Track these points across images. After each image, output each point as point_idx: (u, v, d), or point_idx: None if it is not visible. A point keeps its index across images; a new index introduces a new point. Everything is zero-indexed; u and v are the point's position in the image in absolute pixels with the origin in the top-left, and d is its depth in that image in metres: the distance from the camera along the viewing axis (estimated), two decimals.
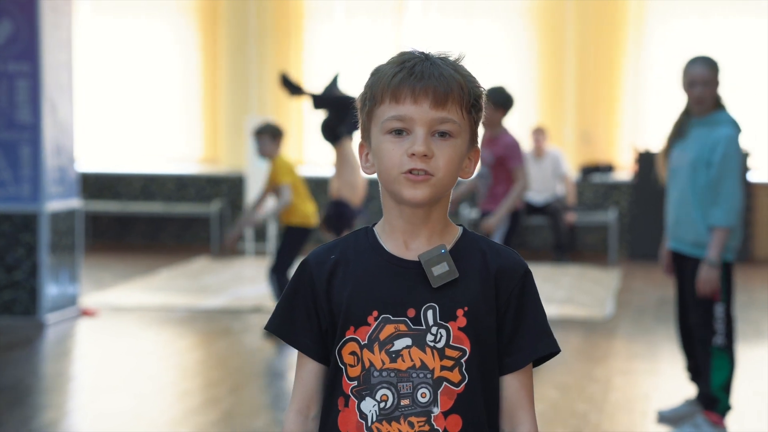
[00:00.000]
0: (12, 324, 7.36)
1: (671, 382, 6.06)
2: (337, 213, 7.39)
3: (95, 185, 11.70)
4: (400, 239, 1.85)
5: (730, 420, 5.10)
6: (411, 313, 1.81)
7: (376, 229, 1.89)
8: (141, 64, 12.20)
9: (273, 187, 7.26)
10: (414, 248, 1.84)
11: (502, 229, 6.62)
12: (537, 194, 10.96)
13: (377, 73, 1.84)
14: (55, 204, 7.58)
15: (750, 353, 6.91)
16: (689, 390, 5.85)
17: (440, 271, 1.81)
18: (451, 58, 1.85)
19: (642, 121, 11.60)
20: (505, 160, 6.53)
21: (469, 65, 1.88)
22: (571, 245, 11.12)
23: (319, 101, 7.59)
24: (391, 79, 1.81)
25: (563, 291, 8.95)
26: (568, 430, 5.09)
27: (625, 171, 11.51)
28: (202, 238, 11.65)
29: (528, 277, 1.87)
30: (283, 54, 11.95)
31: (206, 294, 8.69)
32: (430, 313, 1.81)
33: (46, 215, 7.48)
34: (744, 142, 4.97)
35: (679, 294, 5.13)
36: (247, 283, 9.24)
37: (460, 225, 1.90)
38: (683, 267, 5.03)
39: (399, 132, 1.80)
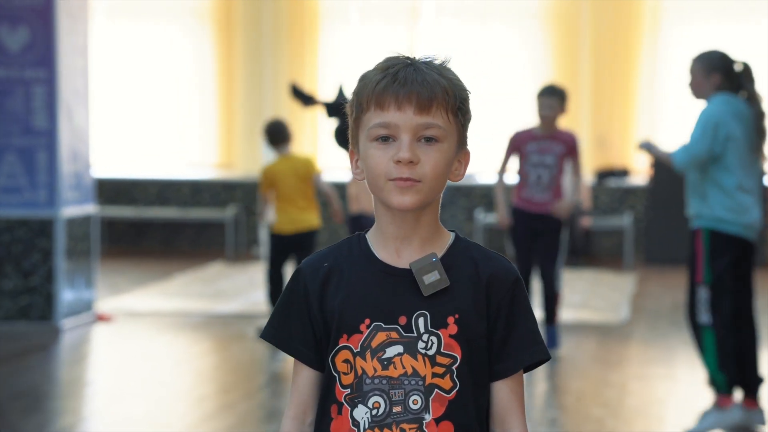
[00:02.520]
0: (28, 329, 7.39)
1: (687, 387, 6.04)
2: (356, 229, 7.37)
3: (111, 191, 11.74)
4: (391, 247, 1.86)
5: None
6: (402, 320, 1.82)
7: (369, 236, 1.90)
8: (156, 69, 12.23)
9: (315, 174, 7.28)
10: (406, 256, 1.85)
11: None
12: None
13: (363, 80, 1.85)
14: (71, 209, 7.61)
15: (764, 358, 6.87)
16: (704, 395, 5.82)
17: (431, 279, 1.82)
18: (436, 62, 1.86)
19: (657, 124, 11.57)
20: (572, 153, 6.77)
21: (458, 68, 1.88)
22: (586, 250, 11.09)
23: (332, 109, 7.62)
24: (375, 86, 1.82)
25: (578, 296, 8.92)
26: None
27: (640, 175, 11.48)
28: (217, 243, 11.67)
29: (519, 284, 1.87)
30: (298, 58, 11.97)
31: (221, 299, 8.71)
32: (421, 320, 1.82)
33: (62, 221, 7.50)
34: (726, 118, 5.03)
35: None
36: (262, 288, 9.24)
37: (452, 231, 1.91)
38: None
39: (385, 139, 1.81)
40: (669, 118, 11.50)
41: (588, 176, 11.36)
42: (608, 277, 10.07)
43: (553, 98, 6.72)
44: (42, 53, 7.42)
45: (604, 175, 11.45)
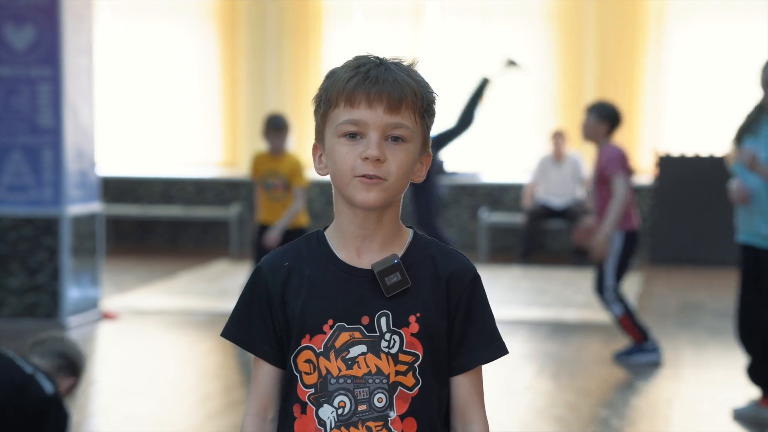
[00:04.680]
0: (34, 327, 7.39)
1: (693, 387, 6.03)
2: None
3: (116, 189, 11.75)
4: (351, 246, 1.87)
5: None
6: (365, 320, 1.84)
7: (327, 234, 1.90)
8: (161, 68, 12.24)
9: (296, 184, 7.22)
10: (366, 256, 1.86)
11: (615, 251, 6.42)
12: (557, 198, 10.94)
13: (332, 77, 1.86)
14: (76, 208, 7.62)
15: None
16: (710, 395, 5.82)
17: (393, 280, 1.84)
18: (405, 64, 1.87)
19: (662, 124, 11.56)
20: (605, 172, 6.38)
21: (423, 71, 1.90)
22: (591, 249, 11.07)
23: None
24: (346, 83, 1.82)
25: (583, 295, 8.92)
26: None
27: (645, 175, 11.48)
28: (221, 241, 11.68)
29: (477, 281, 1.89)
30: (302, 58, 11.97)
31: (226, 297, 8.71)
32: (383, 320, 1.84)
33: (67, 219, 7.51)
34: None
35: (747, 288, 5.10)
36: None
37: (410, 227, 1.92)
38: (758, 260, 5.03)
39: (353, 136, 1.82)
40: (673, 117, 11.49)
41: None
42: None
43: (587, 115, 6.49)
44: (47, 52, 7.42)
45: None
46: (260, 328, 1.89)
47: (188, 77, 12.24)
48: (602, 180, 6.41)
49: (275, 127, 7.18)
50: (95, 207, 7.89)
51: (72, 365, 3.99)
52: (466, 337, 1.88)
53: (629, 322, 6.45)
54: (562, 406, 5.63)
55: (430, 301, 1.85)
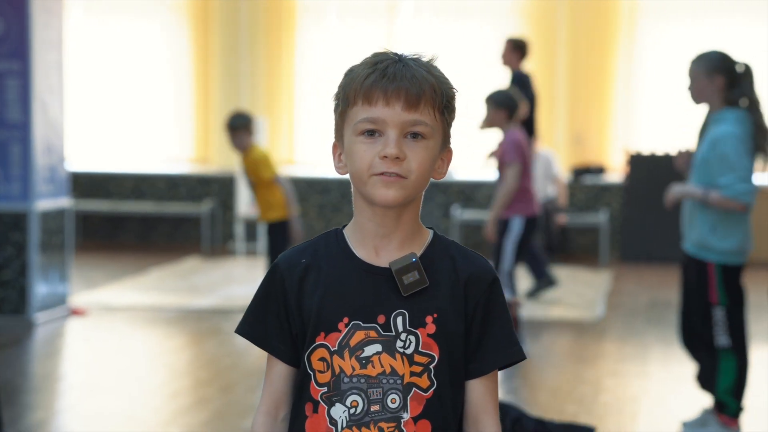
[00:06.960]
0: (1, 323, 7.34)
1: (661, 384, 6.07)
2: None
3: (86, 184, 11.68)
4: (370, 244, 1.85)
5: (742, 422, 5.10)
6: (381, 319, 1.82)
7: (346, 232, 1.88)
8: (132, 63, 12.18)
9: (260, 181, 7.25)
10: (385, 254, 1.84)
11: (514, 235, 6.53)
12: None
13: (350, 74, 1.84)
14: (45, 203, 7.57)
15: None
16: (678, 392, 5.86)
17: (410, 279, 1.81)
18: (424, 59, 1.85)
19: (633, 122, 11.62)
20: (503, 159, 6.52)
21: (443, 66, 1.88)
22: (562, 247, 11.13)
23: None
24: (364, 81, 1.81)
25: (554, 292, 8.95)
26: None
27: (616, 173, 11.53)
28: (192, 237, 11.63)
29: (495, 284, 1.87)
30: (275, 54, 11.94)
31: (196, 294, 8.68)
32: (399, 319, 1.82)
33: (35, 214, 7.46)
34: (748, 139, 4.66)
35: (683, 297, 4.95)
36: (237, 283, 9.23)
37: (430, 228, 1.90)
38: (688, 268, 4.92)
39: (371, 133, 1.80)
40: (645, 115, 11.55)
41: (564, 173, 11.38)
42: (584, 274, 10.10)
43: (485, 106, 6.67)
44: (16, 46, 7.36)
45: (580, 172, 11.49)
46: (275, 326, 1.86)
47: (161, 73, 12.18)
48: (503, 166, 6.58)
49: (229, 127, 7.30)
50: (64, 202, 7.84)
51: None
52: (483, 341, 1.85)
53: (513, 310, 6.61)
54: (532, 403, 5.64)
55: (447, 303, 1.83)
